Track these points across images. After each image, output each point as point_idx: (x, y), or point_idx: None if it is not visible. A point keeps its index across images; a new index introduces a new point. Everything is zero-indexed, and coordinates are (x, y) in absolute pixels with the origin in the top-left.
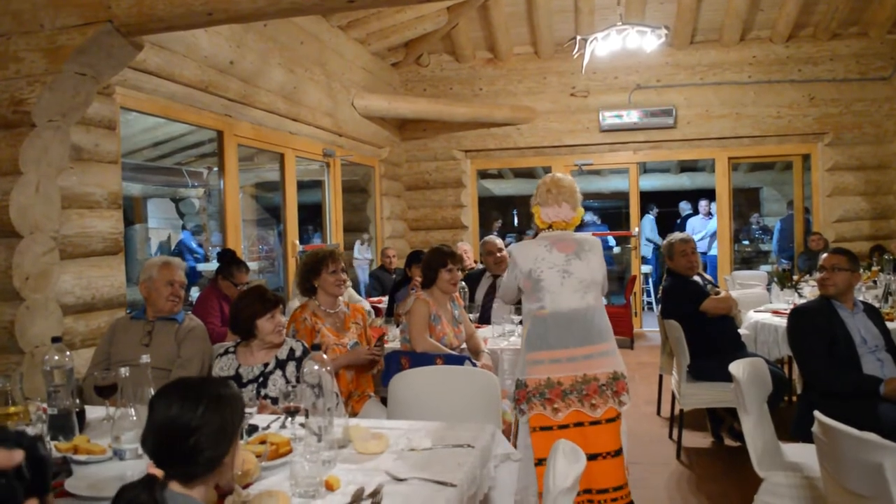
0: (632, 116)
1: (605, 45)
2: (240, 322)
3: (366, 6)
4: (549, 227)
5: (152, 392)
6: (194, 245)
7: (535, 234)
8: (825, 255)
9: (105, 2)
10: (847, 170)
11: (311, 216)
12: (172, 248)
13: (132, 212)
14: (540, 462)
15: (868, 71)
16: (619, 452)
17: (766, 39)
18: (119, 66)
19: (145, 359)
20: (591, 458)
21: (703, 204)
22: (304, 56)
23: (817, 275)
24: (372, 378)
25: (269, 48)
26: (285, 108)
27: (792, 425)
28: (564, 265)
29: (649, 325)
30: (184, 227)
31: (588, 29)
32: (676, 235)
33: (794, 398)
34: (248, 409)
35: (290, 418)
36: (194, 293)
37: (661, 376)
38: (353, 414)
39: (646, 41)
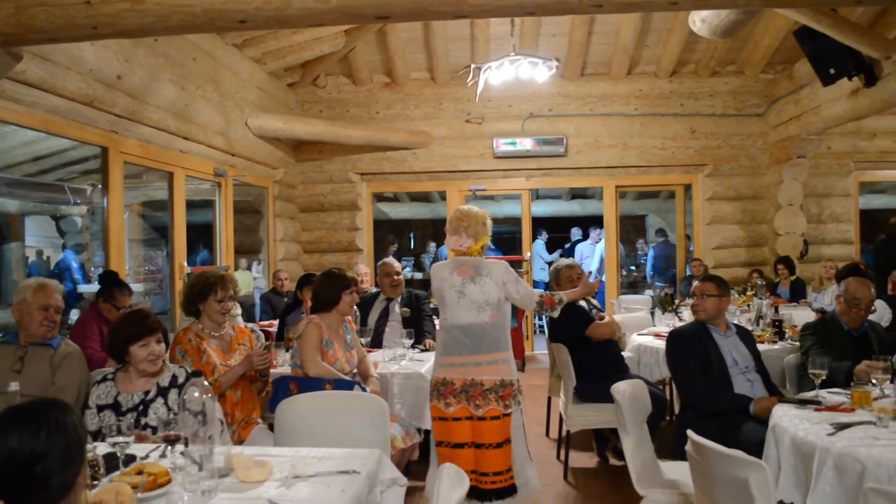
0: (525, 144)
1: (499, 74)
2: (114, 344)
3: (257, 27)
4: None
5: None
6: (75, 265)
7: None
8: (696, 283)
9: None
10: (725, 199)
11: (201, 236)
12: (52, 267)
13: (8, 229)
14: (439, 444)
15: (744, 107)
16: (501, 444)
17: (652, 74)
18: None
19: (13, 386)
20: (478, 446)
21: (592, 231)
22: (196, 73)
23: (690, 301)
24: (259, 403)
25: (160, 64)
26: (175, 126)
27: (670, 444)
28: (460, 287)
29: (540, 349)
30: (64, 247)
31: (483, 57)
32: (563, 261)
33: (674, 417)
34: (125, 439)
35: (170, 447)
36: (74, 315)
37: (549, 398)
38: (240, 441)
39: (537, 72)
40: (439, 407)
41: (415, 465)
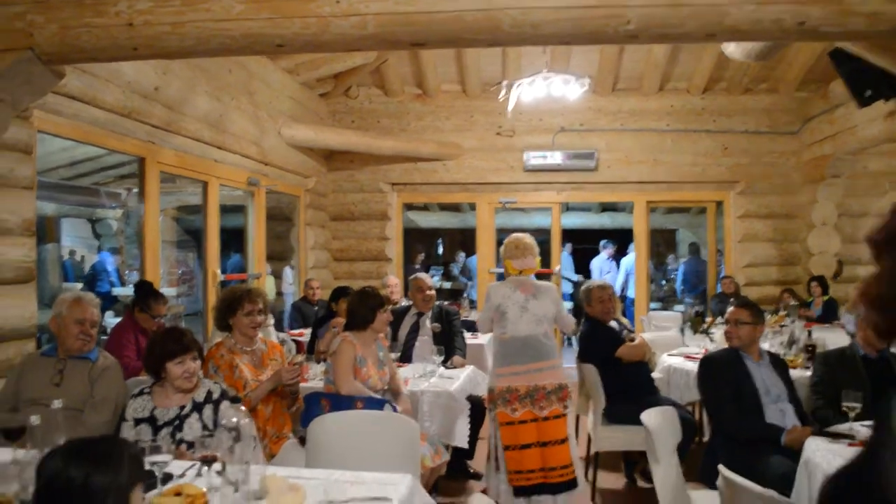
0: (555, 158)
1: (531, 90)
2: (150, 360)
3: (294, 51)
4: (520, 272)
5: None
6: (111, 268)
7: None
8: (730, 308)
9: (27, 29)
10: (757, 217)
11: (234, 240)
12: (87, 269)
13: (44, 230)
14: (507, 448)
15: (777, 125)
16: (564, 441)
17: (684, 91)
18: (39, 94)
19: (57, 404)
20: (544, 444)
21: (606, 245)
22: (231, 84)
23: (724, 327)
24: (290, 418)
25: (196, 76)
26: (210, 136)
27: (699, 470)
28: (523, 303)
29: (568, 361)
30: (100, 249)
31: (515, 71)
32: (595, 282)
33: (705, 439)
34: (163, 457)
35: (206, 467)
36: (109, 318)
37: (577, 416)
38: (271, 455)
39: (569, 89)
40: (506, 413)
41: (442, 480)
